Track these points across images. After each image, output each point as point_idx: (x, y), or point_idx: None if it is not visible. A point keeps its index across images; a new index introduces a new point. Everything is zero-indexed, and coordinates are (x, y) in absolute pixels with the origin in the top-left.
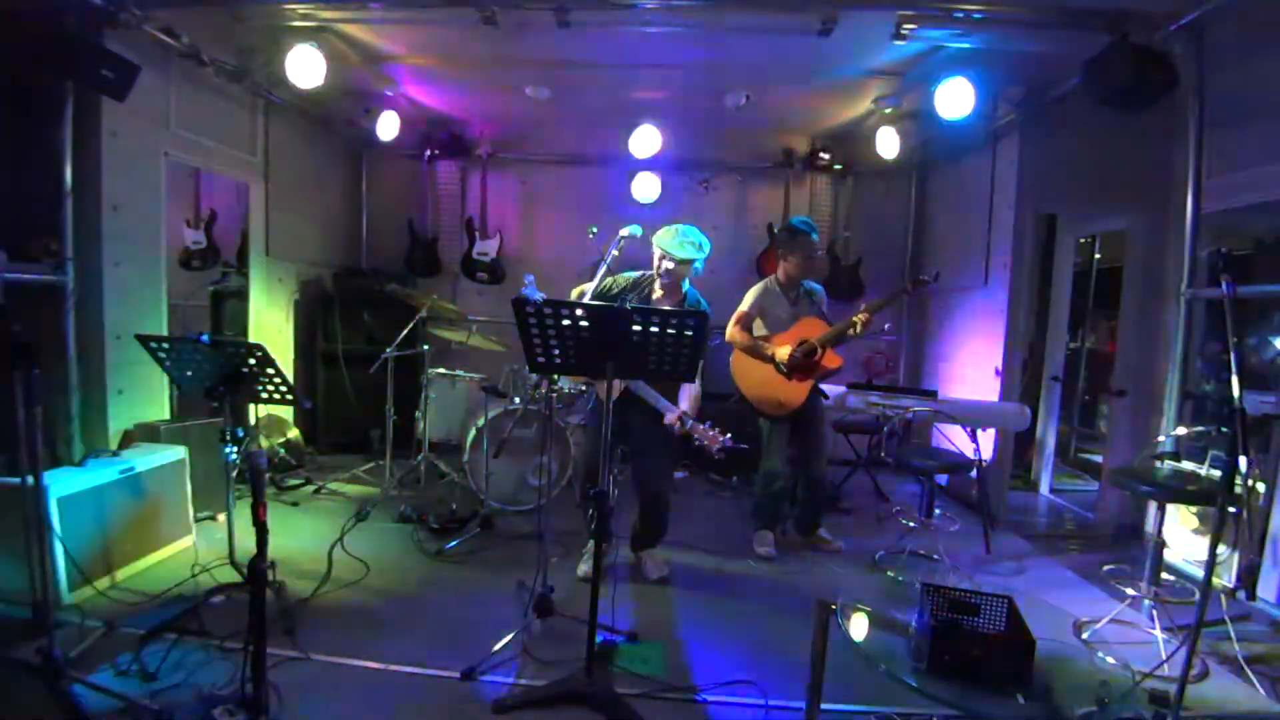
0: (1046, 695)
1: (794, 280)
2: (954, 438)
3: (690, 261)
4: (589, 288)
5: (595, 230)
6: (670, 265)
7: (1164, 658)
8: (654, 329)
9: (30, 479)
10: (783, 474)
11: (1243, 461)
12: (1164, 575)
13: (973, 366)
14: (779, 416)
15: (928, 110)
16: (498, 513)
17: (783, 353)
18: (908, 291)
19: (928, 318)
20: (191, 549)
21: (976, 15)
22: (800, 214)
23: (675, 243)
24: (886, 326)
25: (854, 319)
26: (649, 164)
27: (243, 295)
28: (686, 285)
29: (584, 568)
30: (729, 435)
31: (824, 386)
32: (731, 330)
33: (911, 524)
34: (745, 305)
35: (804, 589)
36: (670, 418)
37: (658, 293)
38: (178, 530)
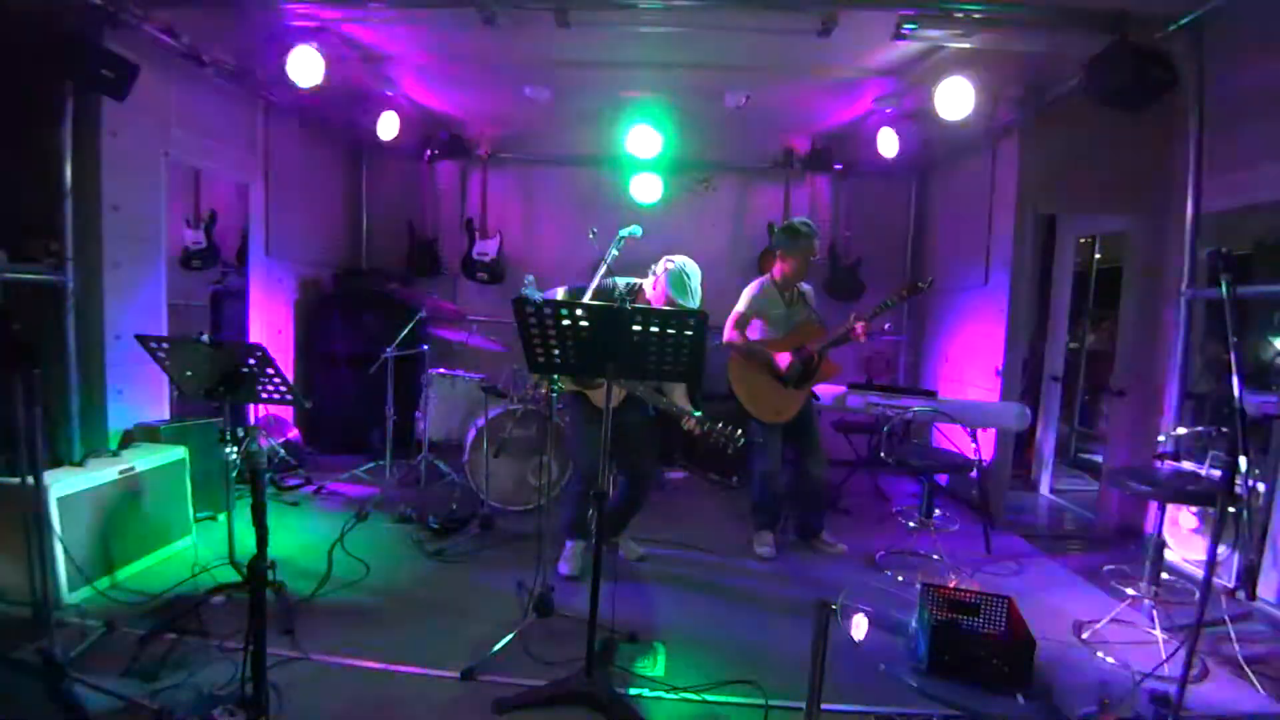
0: (1046, 695)
1: (790, 281)
2: (954, 438)
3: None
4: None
5: (595, 232)
6: (668, 299)
7: (1164, 658)
8: (654, 329)
9: (30, 479)
10: (779, 474)
11: (1243, 461)
12: (1164, 575)
13: (973, 366)
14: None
15: (928, 110)
16: (498, 513)
17: (783, 361)
18: (903, 298)
19: (928, 318)
20: (191, 549)
21: (976, 15)
22: (800, 214)
23: (685, 293)
24: (886, 326)
25: (850, 328)
26: (649, 164)
27: (243, 295)
28: None
29: (565, 567)
30: (740, 430)
31: (821, 387)
32: (729, 332)
33: (911, 524)
34: (741, 306)
35: (804, 589)
36: (690, 424)
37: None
38: (178, 530)
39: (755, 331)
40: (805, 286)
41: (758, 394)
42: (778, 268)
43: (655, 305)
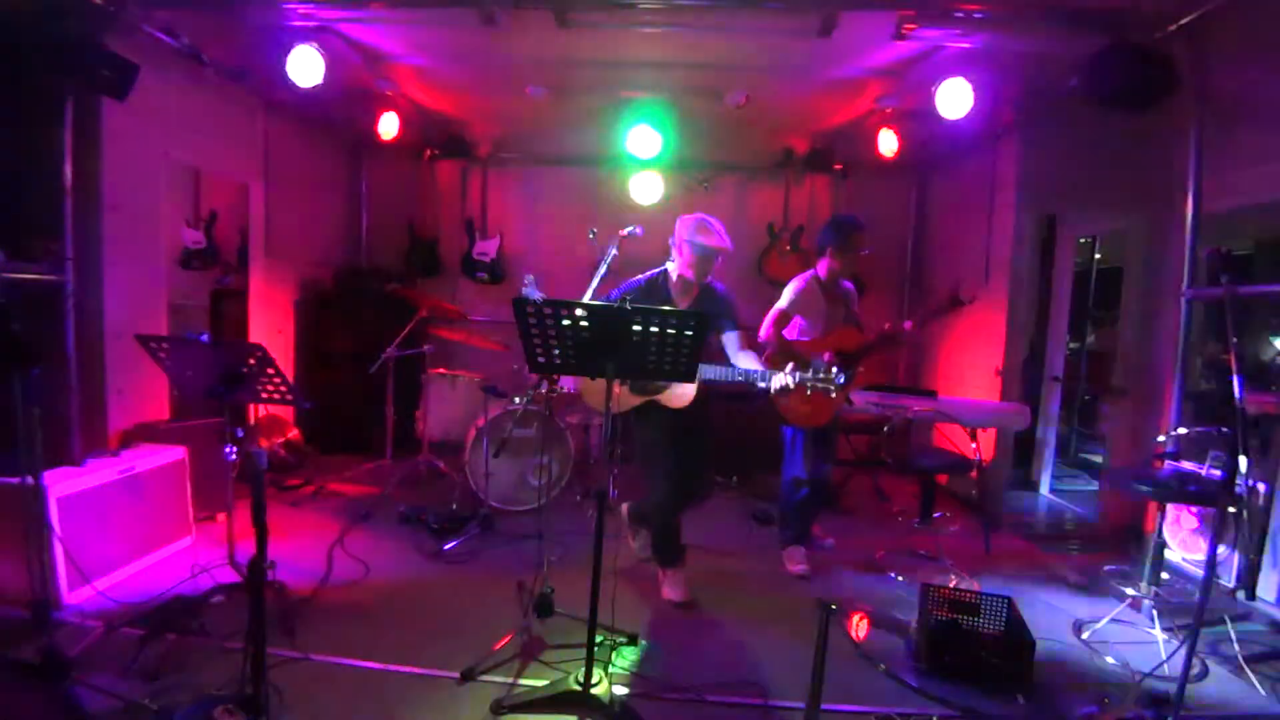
0: (1046, 695)
1: (836, 278)
2: (954, 438)
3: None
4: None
5: (595, 232)
6: (716, 262)
7: (1164, 658)
8: (654, 329)
9: (30, 479)
10: (808, 480)
11: (1243, 461)
12: (1164, 575)
13: (973, 366)
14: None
15: (928, 110)
16: (498, 513)
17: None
18: (944, 309)
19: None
20: (191, 549)
21: (976, 15)
22: (800, 214)
23: (710, 234)
24: (886, 326)
25: (899, 330)
26: (649, 164)
27: (243, 295)
28: None
29: (637, 545)
30: (836, 368)
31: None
32: (766, 331)
33: (912, 524)
34: (784, 302)
35: (804, 589)
36: (780, 379)
37: (685, 292)
38: (178, 530)
39: (794, 330)
40: (847, 285)
41: (789, 397)
42: (824, 264)
43: (685, 272)
